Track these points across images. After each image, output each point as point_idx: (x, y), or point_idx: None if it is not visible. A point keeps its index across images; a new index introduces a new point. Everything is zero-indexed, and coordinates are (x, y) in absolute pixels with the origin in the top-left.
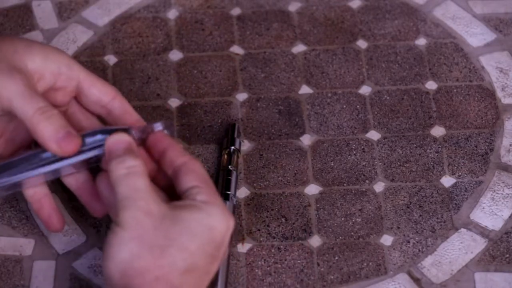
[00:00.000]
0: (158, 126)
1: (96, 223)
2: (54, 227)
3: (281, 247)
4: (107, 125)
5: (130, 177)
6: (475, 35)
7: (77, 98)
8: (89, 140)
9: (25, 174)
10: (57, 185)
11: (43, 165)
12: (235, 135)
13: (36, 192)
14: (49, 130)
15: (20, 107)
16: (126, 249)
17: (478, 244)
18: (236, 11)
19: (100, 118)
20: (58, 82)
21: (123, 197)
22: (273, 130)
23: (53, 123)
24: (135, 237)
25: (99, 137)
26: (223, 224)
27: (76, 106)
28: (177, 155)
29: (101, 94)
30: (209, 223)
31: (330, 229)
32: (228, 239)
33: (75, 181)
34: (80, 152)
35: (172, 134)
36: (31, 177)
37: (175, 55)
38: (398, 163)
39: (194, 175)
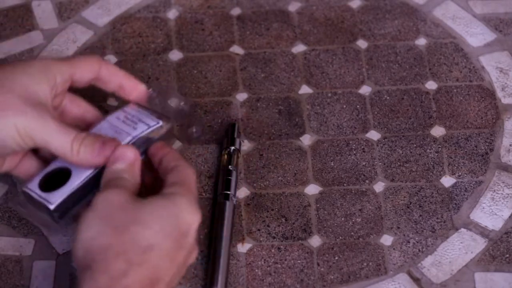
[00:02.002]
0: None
1: None
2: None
3: (281, 247)
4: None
5: (117, 165)
6: (475, 35)
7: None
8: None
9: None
10: None
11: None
12: (235, 135)
13: None
14: (89, 154)
15: (55, 148)
16: (91, 228)
17: (478, 244)
18: (236, 11)
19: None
20: (57, 92)
21: (103, 182)
22: (273, 130)
23: (88, 146)
24: (101, 217)
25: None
26: (189, 214)
27: (67, 97)
28: (172, 159)
29: (87, 79)
30: (174, 211)
31: (330, 229)
32: (194, 234)
33: None
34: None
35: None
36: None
37: (175, 55)
38: (398, 163)
39: (177, 174)
